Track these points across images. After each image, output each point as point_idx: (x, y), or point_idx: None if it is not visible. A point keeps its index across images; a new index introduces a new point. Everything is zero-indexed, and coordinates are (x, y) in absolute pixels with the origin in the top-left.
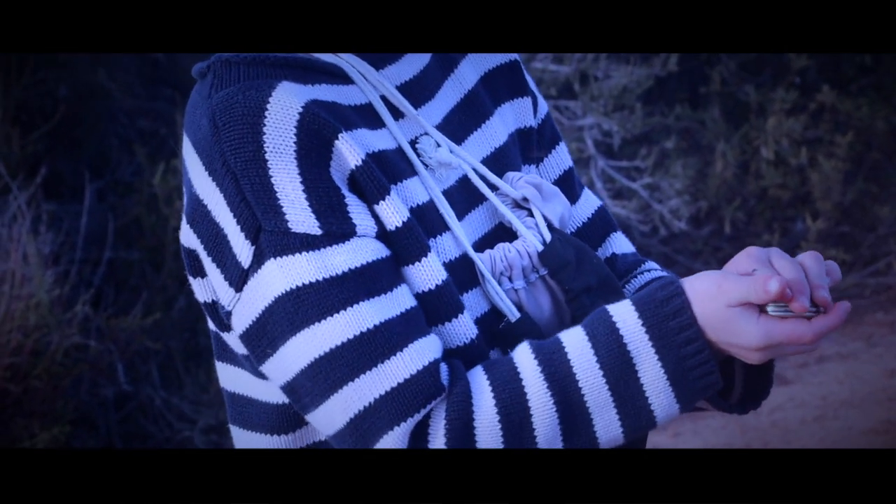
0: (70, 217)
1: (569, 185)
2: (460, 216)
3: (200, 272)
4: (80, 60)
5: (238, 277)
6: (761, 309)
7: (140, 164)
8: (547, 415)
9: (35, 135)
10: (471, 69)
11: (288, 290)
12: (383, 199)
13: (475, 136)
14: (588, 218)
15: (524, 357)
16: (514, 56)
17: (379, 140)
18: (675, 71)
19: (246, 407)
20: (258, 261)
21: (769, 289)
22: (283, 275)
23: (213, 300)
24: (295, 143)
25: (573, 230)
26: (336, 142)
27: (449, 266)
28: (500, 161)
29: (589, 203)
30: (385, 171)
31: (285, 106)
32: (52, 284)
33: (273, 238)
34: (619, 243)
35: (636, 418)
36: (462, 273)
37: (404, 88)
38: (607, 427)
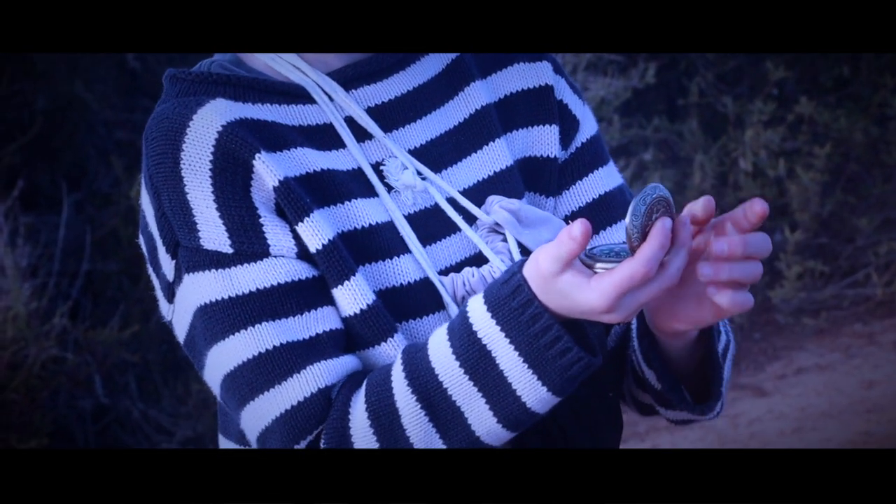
0: (48, 229)
1: (603, 211)
2: (431, 240)
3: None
4: (58, 72)
5: (167, 290)
6: (591, 267)
7: (118, 175)
8: (413, 413)
9: (12, 147)
10: (486, 90)
11: (200, 305)
12: (302, 221)
13: (472, 159)
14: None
15: (396, 360)
16: (547, 81)
17: (329, 160)
18: (653, 83)
19: (225, 414)
20: (178, 275)
21: (573, 235)
22: (195, 291)
23: None
24: (211, 161)
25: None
26: (253, 162)
27: (408, 288)
28: (497, 185)
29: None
30: (326, 191)
31: (206, 124)
32: (30, 297)
33: (188, 254)
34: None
35: (506, 406)
36: (424, 296)
37: (378, 109)
38: (481, 418)
